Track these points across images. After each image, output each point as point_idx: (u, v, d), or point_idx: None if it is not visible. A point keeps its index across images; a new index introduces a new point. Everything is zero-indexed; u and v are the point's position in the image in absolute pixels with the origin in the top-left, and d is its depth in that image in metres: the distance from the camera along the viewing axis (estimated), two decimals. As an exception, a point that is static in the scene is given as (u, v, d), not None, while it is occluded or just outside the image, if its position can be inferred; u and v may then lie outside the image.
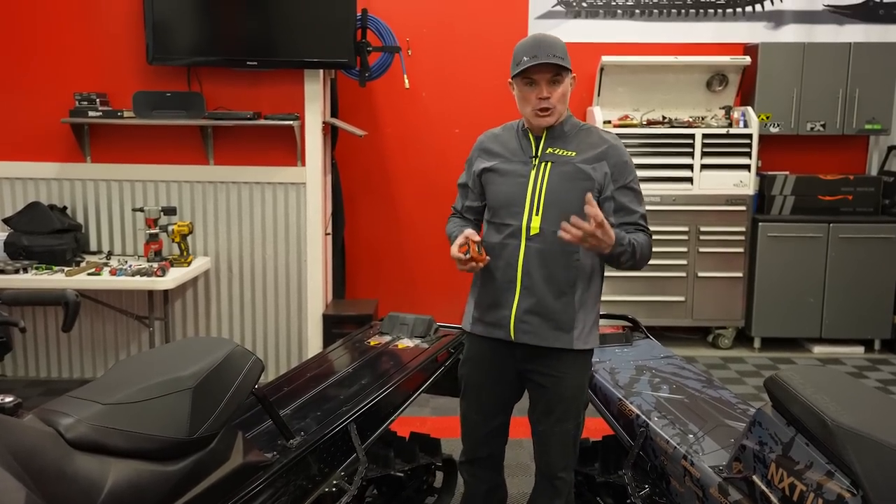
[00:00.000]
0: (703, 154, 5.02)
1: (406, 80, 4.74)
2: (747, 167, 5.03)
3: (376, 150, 5.23)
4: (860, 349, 5.22)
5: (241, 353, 1.93)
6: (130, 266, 4.03)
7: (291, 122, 4.24)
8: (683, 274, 5.10)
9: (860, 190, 5.16)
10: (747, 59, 5.10)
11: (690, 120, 5.20)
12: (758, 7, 5.29)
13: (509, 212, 2.22)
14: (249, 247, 4.50)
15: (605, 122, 5.06)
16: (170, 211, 4.24)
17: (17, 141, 4.36)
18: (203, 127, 4.32)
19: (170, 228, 4.19)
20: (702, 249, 5.08)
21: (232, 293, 4.54)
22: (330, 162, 4.79)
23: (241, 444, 1.88)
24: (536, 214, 2.19)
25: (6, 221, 4.21)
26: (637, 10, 5.29)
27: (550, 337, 2.21)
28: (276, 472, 1.96)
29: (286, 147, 4.37)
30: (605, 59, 5.07)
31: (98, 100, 4.24)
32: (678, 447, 2.21)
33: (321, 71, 4.35)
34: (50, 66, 4.33)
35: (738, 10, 5.29)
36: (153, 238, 4.18)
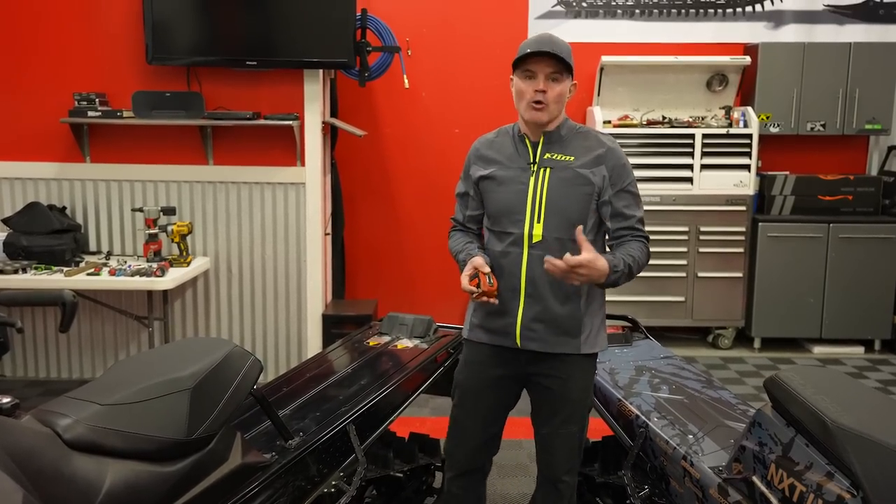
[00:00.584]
0: (703, 154, 5.02)
1: (406, 80, 4.74)
2: (747, 167, 5.03)
3: (376, 150, 5.22)
4: (860, 349, 5.22)
5: (240, 353, 1.93)
6: (130, 266, 4.02)
7: (291, 122, 4.24)
8: (683, 274, 5.09)
9: (860, 190, 5.16)
10: (747, 59, 5.10)
11: (690, 120, 5.19)
12: (758, 7, 5.28)
13: (510, 220, 2.19)
14: (249, 247, 4.50)
15: (604, 123, 5.06)
16: (169, 211, 4.24)
17: (16, 141, 4.36)
18: (202, 127, 4.32)
19: (169, 228, 4.19)
20: (702, 249, 5.07)
21: (231, 293, 4.53)
22: (330, 162, 4.78)
23: (240, 445, 1.87)
24: (538, 222, 2.16)
25: (5, 221, 4.20)
26: (637, 10, 5.28)
27: (558, 343, 2.19)
28: (274, 472, 1.96)
29: (286, 147, 4.37)
30: (605, 59, 5.07)
31: (97, 100, 4.24)
32: (678, 448, 2.21)
33: (321, 71, 4.35)
34: (49, 66, 4.33)
35: (738, 10, 5.28)
36: (152, 238, 4.18)
